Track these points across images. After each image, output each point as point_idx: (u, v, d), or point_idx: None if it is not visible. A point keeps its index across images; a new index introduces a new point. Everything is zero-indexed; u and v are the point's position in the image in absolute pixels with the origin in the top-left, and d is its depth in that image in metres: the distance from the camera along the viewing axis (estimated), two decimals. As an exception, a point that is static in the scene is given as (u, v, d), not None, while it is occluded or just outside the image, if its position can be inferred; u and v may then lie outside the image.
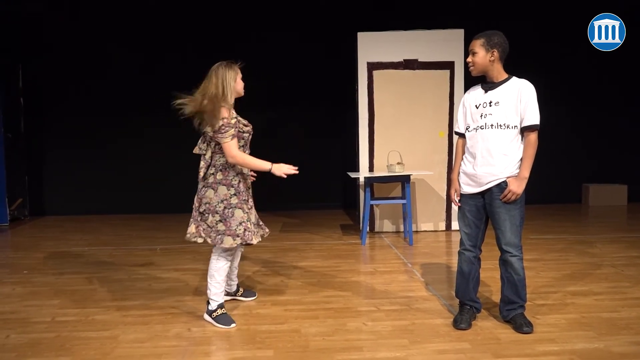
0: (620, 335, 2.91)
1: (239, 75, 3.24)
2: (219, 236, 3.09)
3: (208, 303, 3.25)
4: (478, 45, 2.98)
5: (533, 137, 2.90)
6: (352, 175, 5.76)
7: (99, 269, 4.62)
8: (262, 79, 7.84)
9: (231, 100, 3.11)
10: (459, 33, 5.98)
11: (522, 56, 7.60)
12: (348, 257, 5.03)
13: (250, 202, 3.33)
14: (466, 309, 3.14)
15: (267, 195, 8.11)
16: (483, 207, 3.05)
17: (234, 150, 3.05)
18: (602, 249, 5.06)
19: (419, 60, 6.02)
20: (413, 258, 4.91)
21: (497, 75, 2.99)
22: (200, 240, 3.15)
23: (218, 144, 3.09)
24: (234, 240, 3.07)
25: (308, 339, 2.94)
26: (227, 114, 3.04)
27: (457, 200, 3.15)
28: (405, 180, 5.59)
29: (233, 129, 3.05)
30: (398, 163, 5.69)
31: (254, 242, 3.17)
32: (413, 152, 6.06)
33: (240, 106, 8.85)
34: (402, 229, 6.17)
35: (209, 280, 3.22)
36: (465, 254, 3.14)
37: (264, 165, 3.14)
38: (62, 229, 6.82)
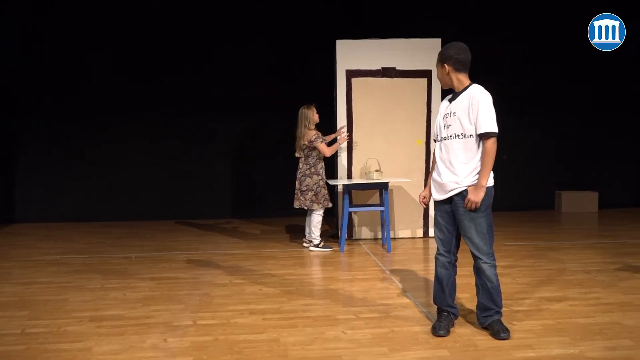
0: (595, 341, 2.96)
1: (314, 111, 5.47)
2: (324, 202, 5.46)
3: (310, 243, 5.55)
4: (436, 62, 3.13)
5: (488, 144, 2.93)
6: (331, 182, 5.76)
7: (71, 278, 4.50)
8: (242, 86, 7.81)
9: (313, 126, 5.43)
10: (436, 42, 6.04)
11: (495, 63, 7.78)
12: (326, 264, 5.01)
13: None
14: (444, 315, 3.17)
15: (244, 201, 8.07)
16: (453, 213, 3.09)
17: (325, 148, 5.44)
18: (575, 255, 5.16)
19: (397, 68, 6.07)
20: (391, 265, 4.92)
21: (457, 85, 3.08)
22: (298, 205, 5.50)
23: (310, 150, 5.41)
24: (325, 204, 5.50)
25: (287, 349, 2.92)
26: (315, 132, 5.39)
27: (424, 204, 3.31)
28: (383, 187, 5.61)
29: (321, 139, 5.40)
30: (376, 170, 5.71)
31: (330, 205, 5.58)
32: (391, 159, 6.09)
33: (221, 112, 8.76)
34: (380, 236, 6.19)
35: (313, 229, 5.49)
36: (440, 259, 3.20)
37: (336, 145, 5.63)
38: (33, 236, 6.64)
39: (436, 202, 3.17)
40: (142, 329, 3.23)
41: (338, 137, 5.76)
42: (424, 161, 6.17)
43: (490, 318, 3.07)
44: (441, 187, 3.09)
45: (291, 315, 3.46)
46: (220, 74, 7.82)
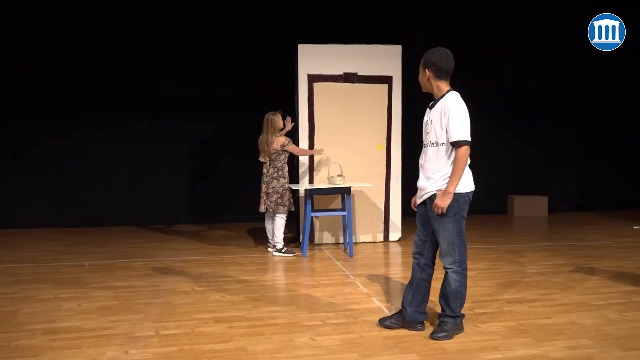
0: (556, 341, 3.06)
1: (280, 118, 5.50)
2: (289, 204, 5.51)
3: (274, 247, 5.50)
4: (420, 65, 3.14)
5: (459, 152, 2.96)
6: (293, 187, 5.71)
7: (19, 289, 4.24)
8: (203, 88, 7.63)
9: (278, 132, 5.48)
10: (397, 49, 6.14)
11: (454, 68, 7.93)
12: (289, 270, 4.97)
13: None
14: (399, 312, 3.28)
15: (201, 206, 7.89)
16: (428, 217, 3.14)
17: (297, 148, 5.63)
18: (529, 258, 5.33)
19: (358, 73, 6.11)
20: (354, 270, 4.93)
21: (436, 92, 3.12)
22: (263, 209, 5.53)
23: (278, 155, 5.45)
24: (289, 207, 5.55)
25: (256, 357, 2.85)
26: (285, 138, 5.50)
27: (414, 208, 3.33)
28: (345, 192, 5.62)
29: (291, 142, 5.52)
30: (339, 175, 5.71)
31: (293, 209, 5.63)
32: (353, 164, 6.11)
33: (180, 114, 8.49)
34: (341, 241, 6.19)
35: (276, 232, 5.46)
36: (413, 260, 3.27)
37: (310, 151, 5.83)
38: (-25, 244, 6.23)
39: (418, 205, 3.24)
40: (101, 341, 3.08)
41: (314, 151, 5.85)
42: (385, 166, 6.23)
43: (440, 317, 3.18)
44: (420, 190, 3.17)
45: (258, 323, 3.39)
46: (180, 76, 7.62)
